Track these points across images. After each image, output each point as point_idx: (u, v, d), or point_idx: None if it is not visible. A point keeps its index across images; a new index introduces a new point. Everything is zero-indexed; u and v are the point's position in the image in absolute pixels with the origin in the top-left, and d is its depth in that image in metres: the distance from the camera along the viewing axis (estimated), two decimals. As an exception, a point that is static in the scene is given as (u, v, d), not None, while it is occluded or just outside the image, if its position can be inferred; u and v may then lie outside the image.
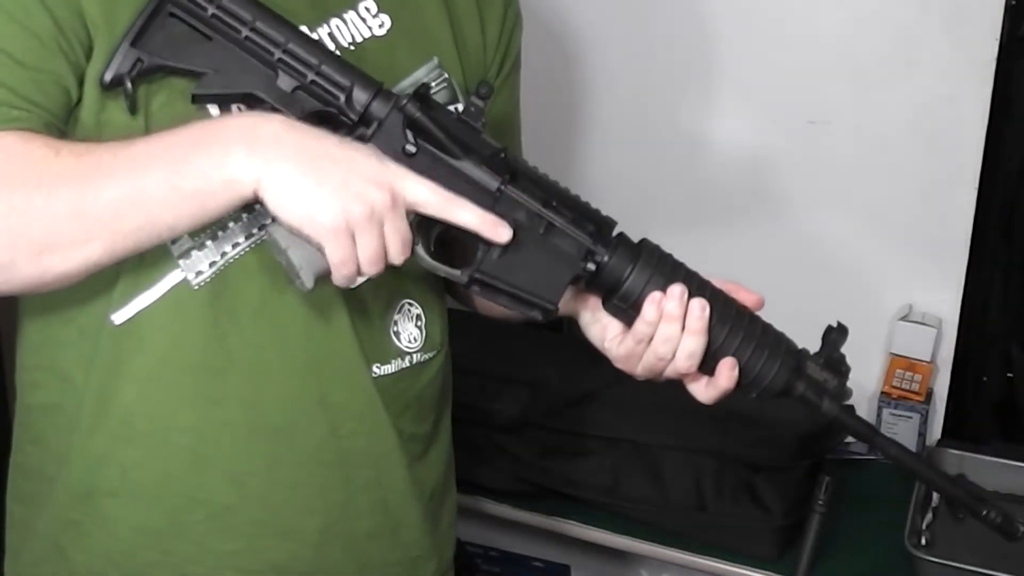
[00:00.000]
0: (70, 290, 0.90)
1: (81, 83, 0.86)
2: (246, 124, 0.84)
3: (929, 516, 1.53)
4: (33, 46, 0.83)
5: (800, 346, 0.98)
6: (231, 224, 0.90)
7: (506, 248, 0.89)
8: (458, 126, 0.89)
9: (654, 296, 0.91)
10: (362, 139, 0.87)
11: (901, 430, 1.74)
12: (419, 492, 1.07)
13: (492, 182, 0.89)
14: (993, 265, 1.74)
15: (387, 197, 0.83)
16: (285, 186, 0.81)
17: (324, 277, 0.85)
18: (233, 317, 0.93)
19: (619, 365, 0.97)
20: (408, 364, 1.03)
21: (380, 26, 0.97)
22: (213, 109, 0.89)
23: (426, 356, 1.05)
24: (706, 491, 1.53)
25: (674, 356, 0.92)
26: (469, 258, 0.90)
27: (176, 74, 0.87)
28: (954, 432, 1.77)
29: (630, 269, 0.92)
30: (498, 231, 0.88)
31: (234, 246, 0.92)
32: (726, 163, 1.84)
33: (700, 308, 0.92)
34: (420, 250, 0.89)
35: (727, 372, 0.93)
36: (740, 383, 0.94)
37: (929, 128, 1.69)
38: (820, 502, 1.43)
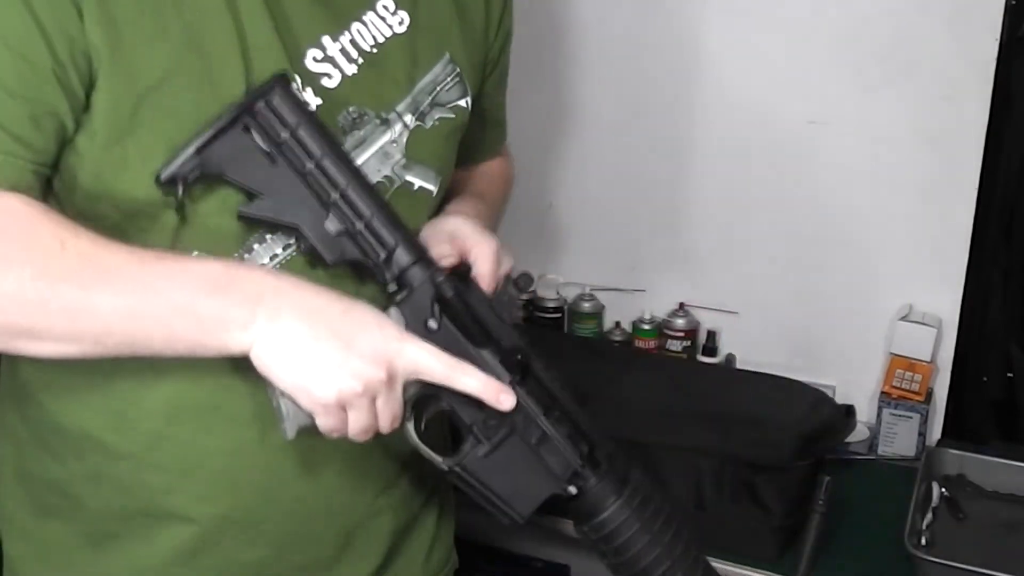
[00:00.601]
0: None
1: (78, 114, 0.84)
2: (257, 283, 0.83)
3: (929, 516, 1.53)
4: (27, 76, 0.81)
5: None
6: (256, 246, 0.90)
7: (494, 449, 0.89)
8: (486, 312, 0.90)
9: None
10: (395, 298, 0.88)
11: (901, 430, 1.74)
12: (425, 481, 1.11)
13: (502, 378, 0.89)
14: (993, 265, 1.73)
15: (383, 375, 0.83)
16: (280, 357, 0.81)
17: (309, 430, 0.86)
18: None
19: None
20: None
21: (400, 23, 0.97)
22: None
23: None
24: (706, 491, 1.53)
25: None
26: (457, 447, 0.91)
27: (231, 186, 0.87)
28: (954, 432, 1.77)
29: (611, 502, 0.93)
30: (500, 398, 0.88)
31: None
32: (725, 163, 1.84)
33: None
34: (410, 427, 0.89)
35: None
36: None
37: (929, 128, 1.69)
38: (820, 502, 1.42)
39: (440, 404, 0.89)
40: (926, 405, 1.73)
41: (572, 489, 0.92)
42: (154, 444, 0.94)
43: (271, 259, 0.91)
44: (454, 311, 0.88)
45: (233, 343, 0.81)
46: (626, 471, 0.95)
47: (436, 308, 0.88)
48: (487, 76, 1.09)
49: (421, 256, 0.90)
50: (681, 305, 1.91)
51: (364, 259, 0.89)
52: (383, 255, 0.88)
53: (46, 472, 0.99)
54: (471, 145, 1.12)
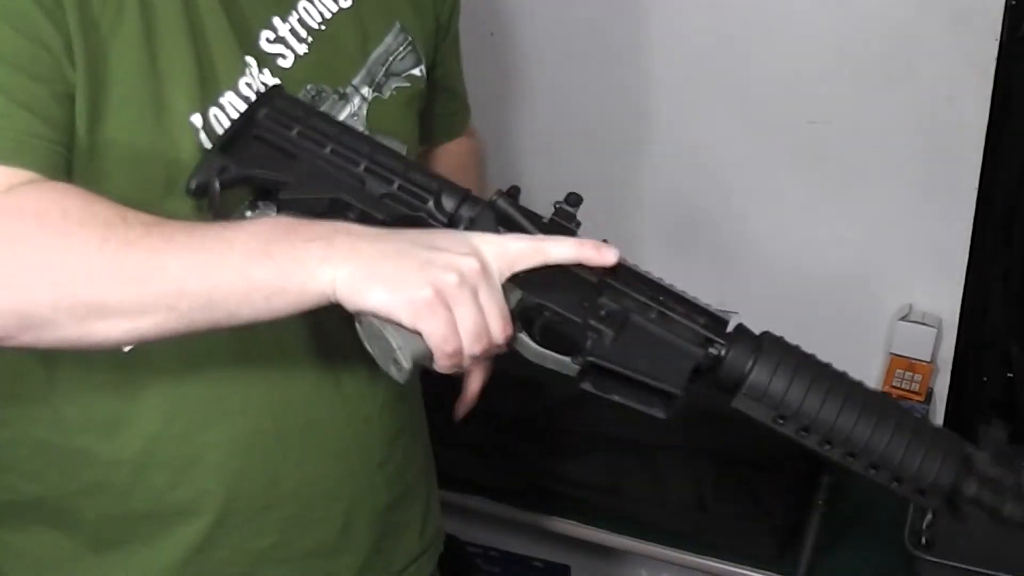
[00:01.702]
0: None
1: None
2: (327, 224, 0.80)
3: (929, 516, 1.53)
4: (46, 58, 0.79)
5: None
6: (248, 214, 0.89)
7: (619, 333, 0.83)
8: (551, 226, 0.86)
9: None
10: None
11: (901, 430, 1.74)
12: (416, 453, 1.14)
13: (591, 276, 0.84)
14: (993, 265, 1.73)
15: (475, 263, 0.78)
16: (366, 276, 0.76)
17: (424, 363, 0.79)
18: (249, 327, 0.92)
19: None
20: None
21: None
22: None
23: None
24: (706, 491, 1.53)
25: None
26: (577, 349, 0.84)
27: (262, 185, 0.86)
28: (954, 432, 1.77)
29: (752, 360, 0.84)
30: (601, 252, 0.83)
31: None
32: (725, 163, 1.84)
33: None
34: (524, 338, 0.83)
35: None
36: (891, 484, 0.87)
37: (929, 128, 1.69)
38: (820, 502, 1.43)
39: (544, 314, 0.83)
40: (926, 405, 1.73)
41: (713, 351, 0.84)
42: (153, 445, 0.93)
43: None
44: (520, 227, 0.86)
45: (316, 280, 0.76)
46: (760, 335, 0.87)
47: (501, 229, 0.85)
48: (439, 43, 1.10)
49: (467, 195, 0.87)
50: (681, 305, 1.91)
51: (414, 212, 0.86)
52: (431, 200, 0.86)
53: (21, 493, 0.97)
54: (434, 120, 1.13)
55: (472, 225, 0.85)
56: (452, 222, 0.86)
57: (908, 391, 1.73)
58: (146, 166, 0.85)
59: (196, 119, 0.87)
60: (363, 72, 0.98)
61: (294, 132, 0.86)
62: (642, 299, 0.86)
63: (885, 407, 0.86)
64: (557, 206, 0.88)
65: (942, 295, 1.75)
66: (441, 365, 0.79)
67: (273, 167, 0.85)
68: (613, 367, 0.82)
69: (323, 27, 0.95)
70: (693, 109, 1.85)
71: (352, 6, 0.97)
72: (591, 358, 0.82)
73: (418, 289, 0.76)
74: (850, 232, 1.79)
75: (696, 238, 1.90)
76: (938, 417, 1.79)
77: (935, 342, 1.74)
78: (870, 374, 1.81)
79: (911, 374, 1.74)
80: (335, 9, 0.96)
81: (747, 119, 1.81)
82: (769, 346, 0.86)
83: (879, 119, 1.72)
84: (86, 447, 0.93)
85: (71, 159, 0.82)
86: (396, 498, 1.10)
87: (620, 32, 1.86)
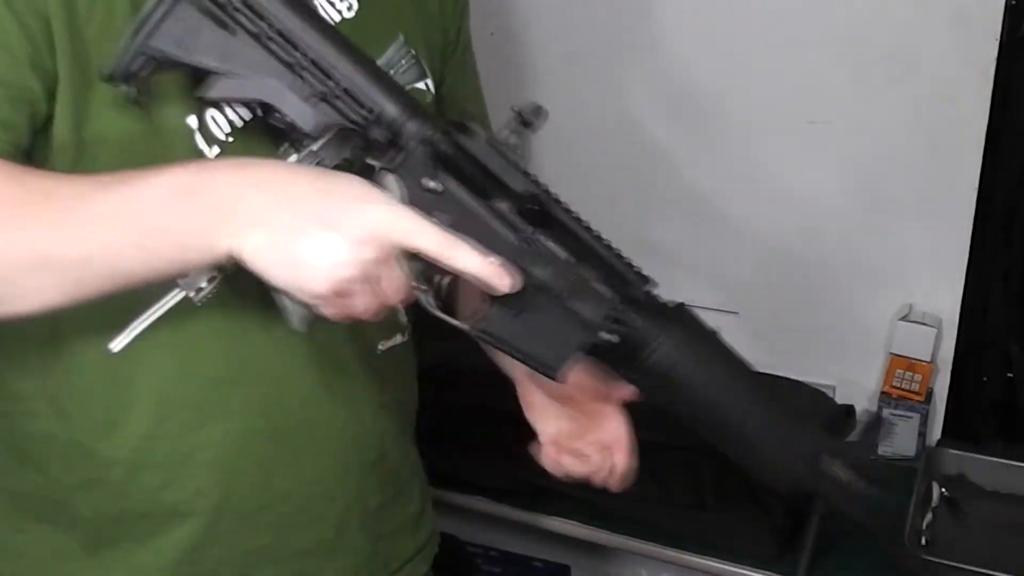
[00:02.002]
0: (57, 318, 0.87)
1: (51, 99, 0.81)
2: (228, 182, 0.77)
3: (929, 516, 1.54)
4: (6, 61, 0.79)
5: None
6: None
7: (520, 306, 0.82)
8: (494, 159, 0.81)
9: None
10: (389, 164, 0.82)
11: (901, 430, 1.74)
12: (409, 454, 1.14)
13: (520, 230, 0.82)
14: (993, 265, 1.73)
15: (375, 255, 0.76)
16: (267, 256, 0.76)
17: (320, 321, 0.80)
18: (241, 326, 0.92)
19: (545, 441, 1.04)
20: (407, 336, 1.07)
21: (348, 8, 0.96)
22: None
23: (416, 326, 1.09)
24: (706, 491, 1.53)
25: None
26: (481, 309, 0.84)
27: (187, 70, 0.81)
28: (954, 432, 1.77)
29: (656, 338, 0.86)
30: (500, 279, 0.80)
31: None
32: (725, 163, 1.84)
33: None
34: (423, 299, 0.83)
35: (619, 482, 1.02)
36: (746, 472, 0.92)
37: (929, 128, 1.69)
38: (820, 502, 1.42)
39: (447, 279, 0.83)
40: (926, 405, 1.73)
41: (610, 337, 0.85)
42: (145, 445, 0.93)
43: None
44: (457, 166, 0.80)
45: (215, 250, 0.76)
46: (676, 308, 0.88)
47: (435, 166, 0.80)
48: (447, 58, 1.08)
49: (413, 110, 0.81)
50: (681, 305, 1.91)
51: (348, 123, 0.81)
52: (370, 116, 0.80)
53: (29, 484, 0.98)
54: None
55: (406, 159, 0.81)
56: (393, 139, 0.81)
57: (908, 391, 1.73)
58: (138, 167, 0.83)
59: (192, 120, 0.86)
60: None
61: (236, 4, 0.78)
62: (562, 262, 0.84)
63: (767, 400, 0.90)
64: (512, 131, 0.83)
65: (942, 295, 1.75)
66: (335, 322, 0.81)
67: (203, 48, 0.78)
68: (499, 345, 0.83)
69: None
70: (692, 109, 1.85)
71: (355, 17, 0.96)
72: (483, 333, 0.83)
73: (316, 285, 0.76)
74: (850, 232, 1.79)
75: (696, 238, 1.90)
76: (938, 417, 1.79)
77: (935, 342, 1.73)
78: (870, 374, 1.81)
79: (911, 374, 1.74)
80: (338, 19, 0.95)
81: (747, 119, 1.81)
82: (674, 325, 0.88)
83: (879, 119, 1.72)
84: (85, 443, 0.93)
85: (18, 156, 0.81)
86: (390, 499, 1.10)
87: (620, 32, 1.86)
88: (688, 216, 1.90)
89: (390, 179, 0.81)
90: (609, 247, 0.88)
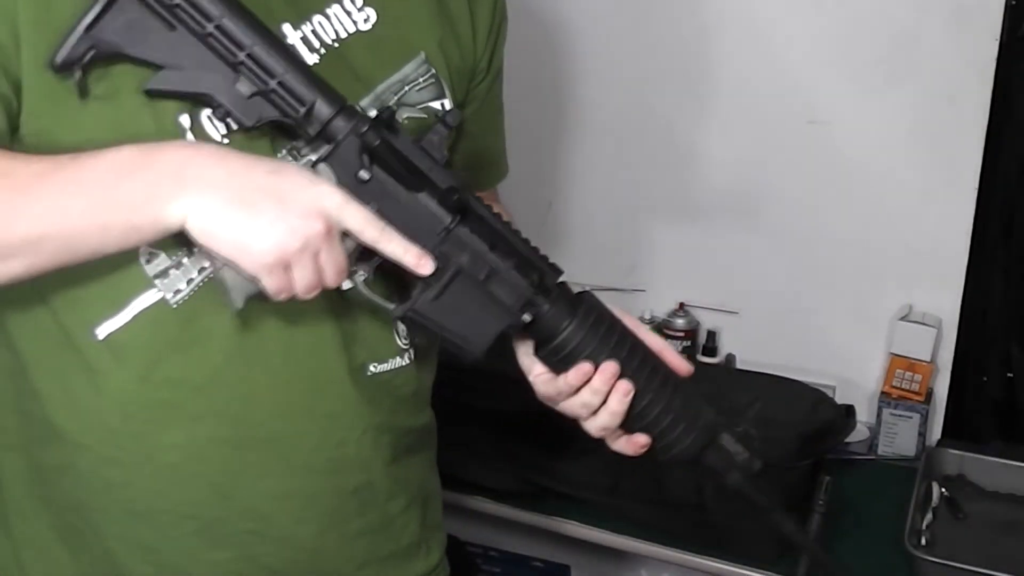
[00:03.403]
0: (45, 302, 0.90)
1: (18, 96, 0.83)
2: (176, 156, 0.81)
3: (929, 516, 1.54)
4: None
5: (716, 417, 0.99)
6: (196, 248, 0.88)
7: (443, 290, 0.89)
8: (418, 155, 0.88)
9: (582, 367, 0.93)
10: (320, 157, 0.86)
11: (901, 430, 1.74)
12: (407, 484, 1.07)
13: (442, 219, 0.89)
14: (993, 265, 1.73)
15: (321, 227, 0.81)
16: (215, 223, 0.80)
17: (258, 297, 0.85)
18: (214, 333, 0.91)
19: (540, 399, 1.00)
20: (408, 360, 1.02)
21: (365, 20, 0.96)
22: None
23: (428, 350, 1.06)
24: (706, 491, 1.53)
25: (589, 418, 0.96)
26: (407, 294, 0.91)
27: (132, 63, 0.84)
28: (954, 432, 1.77)
29: (566, 323, 0.93)
30: (421, 262, 0.87)
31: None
32: (726, 163, 1.85)
33: (623, 393, 0.94)
34: (358, 280, 0.90)
35: (637, 444, 0.98)
36: (651, 447, 0.98)
37: (929, 128, 1.69)
38: (820, 502, 1.42)
39: (378, 258, 0.89)
40: (926, 405, 1.73)
41: (526, 318, 0.92)
42: (110, 439, 0.93)
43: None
44: (384, 159, 0.86)
45: (166, 219, 0.80)
46: (578, 296, 0.95)
47: (365, 158, 0.86)
48: (474, 84, 1.07)
49: (342, 106, 0.86)
50: (681, 305, 1.91)
51: (283, 118, 0.86)
52: (302, 110, 0.85)
53: (8, 467, 0.99)
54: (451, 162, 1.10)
55: (336, 150, 0.86)
56: (322, 135, 0.86)
57: (908, 391, 1.73)
58: None
59: (184, 119, 0.87)
60: (371, 96, 0.95)
61: (176, 0, 0.82)
62: (480, 250, 0.91)
63: (663, 385, 0.96)
64: (433, 131, 0.89)
65: (942, 295, 1.75)
66: (275, 300, 0.84)
67: (146, 42, 0.82)
68: (426, 324, 0.90)
69: (336, 44, 0.94)
70: (692, 109, 1.85)
71: (371, 30, 0.96)
72: (409, 313, 0.90)
73: (263, 254, 0.80)
74: (850, 232, 1.79)
75: (696, 238, 1.90)
76: (938, 417, 1.79)
77: (935, 342, 1.74)
78: (870, 374, 1.81)
79: (911, 374, 1.74)
80: (352, 30, 0.95)
81: (747, 119, 1.81)
82: (584, 313, 0.93)
83: (879, 119, 1.72)
84: (60, 424, 0.94)
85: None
86: (376, 527, 1.05)
87: (620, 32, 1.86)
88: (687, 217, 1.90)
89: (322, 167, 0.86)
90: (525, 240, 0.95)
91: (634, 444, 0.98)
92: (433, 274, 0.88)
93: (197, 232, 0.80)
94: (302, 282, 0.83)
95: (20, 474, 0.98)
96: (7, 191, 0.80)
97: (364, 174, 0.86)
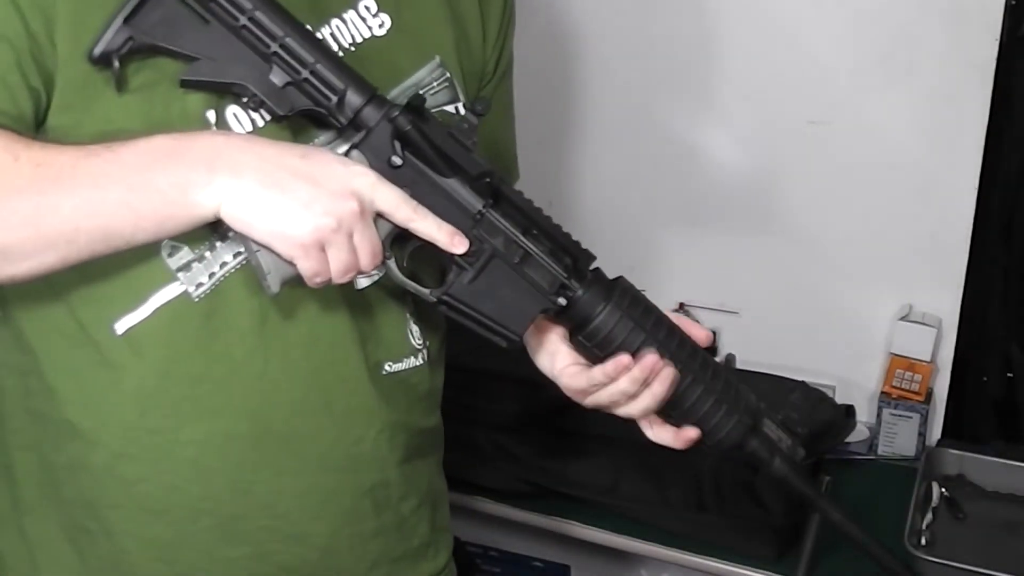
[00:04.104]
0: (61, 298, 0.90)
1: (49, 89, 0.84)
2: (209, 144, 0.83)
3: (929, 516, 1.54)
4: (5, 53, 0.82)
5: (759, 402, 0.98)
6: (231, 233, 0.88)
7: (479, 274, 0.90)
8: (448, 142, 0.88)
9: (621, 360, 0.92)
10: (352, 144, 0.87)
11: (901, 430, 1.74)
12: (419, 485, 1.08)
13: (474, 204, 0.90)
14: (993, 265, 1.73)
15: (355, 207, 0.82)
16: (249, 207, 0.81)
17: (293, 282, 0.86)
18: (234, 327, 0.92)
19: (568, 393, 0.99)
20: (423, 360, 1.03)
21: (380, 26, 0.97)
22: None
23: (439, 351, 1.07)
24: (706, 491, 1.53)
25: (627, 404, 0.94)
26: (442, 280, 0.91)
27: (168, 55, 0.85)
28: (954, 432, 1.77)
29: (601, 307, 0.93)
30: (454, 241, 0.88)
31: (235, 256, 0.90)
32: (725, 163, 1.85)
33: (666, 380, 0.92)
34: (392, 265, 0.90)
35: (687, 438, 0.96)
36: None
37: (929, 128, 1.69)
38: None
39: (416, 240, 0.89)
40: (926, 405, 1.73)
41: (561, 301, 0.92)
42: (127, 436, 0.93)
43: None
44: (415, 145, 0.87)
45: (200, 206, 0.81)
46: (614, 280, 0.95)
47: (397, 144, 0.87)
48: (484, 86, 1.08)
49: (373, 94, 0.88)
50: (681, 305, 1.91)
51: (315, 107, 0.87)
52: (334, 99, 0.87)
53: (21, 465, 0.98)
54: None
55: (368, 136, 0.87)
56: (353, 124, 0.88)
57: (908, 391, 1.73)
58: None
59: (210, 115, 0.88)
60: None
61: None
62: (514, 235, 0.92)
63: (703, 368, 0.95)
64: (463, 119, 0.89)
65: (942, 295, 1.75)
66: (310, 285, 0.85)
67: (181, 35, 0.84)
68: (462, 307, 0.90)
69: (353, 49, 0.94)
70: (692, 108, 1.85)
71: (387, 35, 0.96)
72: (445, 297, 0.90)
73: (299, 234, 0.81)
74: (850, 232, 1.79)
75: (696, 238, 1.90)
76: (938, 417, 1.79)
77: (935, 342, 1.74)
78: (870, 374, 1.81)
79: (911, 374, 1.74)
80: (368, 35, 0.95)
81: (746, 118, 1.81)
82: (619, 296, 0.93)
83: (879, 119, 1.72)
84: (74, 420, 0.94)
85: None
86: (388, 527, 1.06)
87: (621, 32, 1.86)
88: (687, 216, 1.90)
89: (355, 154, 0.87)
90: (557, 226, 0.95)
91: (683, 438, 0.96)
92: (467, 257, 0.89)
93: (232, 218, 0.81)
94: (337, 264, 0.83)
95: (33, 474, 0.98)
96: (41, 181, 0.80)
97: (396, 160, 0.87)
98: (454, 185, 0.89)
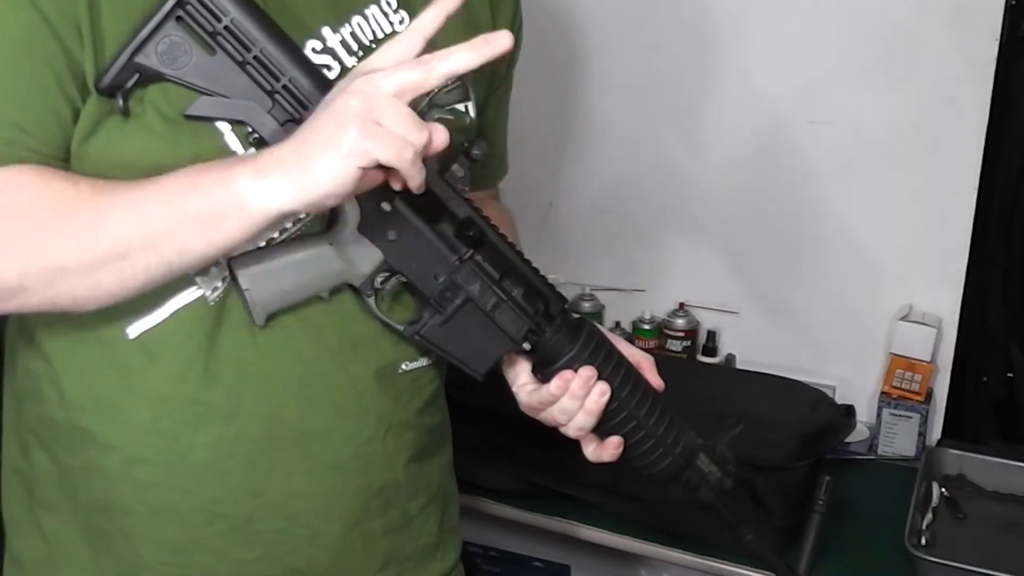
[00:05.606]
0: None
1: (77, 114, 0.85)
2: (250, 156, 0.83)
3: (929, 516, 1.54)
4: (44, 77, 0.83)
5: (699, 439, 1.04)
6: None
7: (450, 317, 0.94)
8: (441, 186, 0.91)
9: (564, 375, 0.96)
10: None
11: (901, 430, 1.74)
12: (427, 484, 1.09)
13: (456, 250, 0.93)
14: (993, 265, 1.74)
15: (357, 103, 0.78)
16: (301, 168, 0.79)
17: (282, 311, 0.90)
18: (246, 330, 0.92)
19: (522, 408, 1.02)
20: (431, 360, 1.04)
21: (400, 22, 0.97)
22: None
23: None
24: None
25: (568, 423, 0.98)
26: (419, 313, 0.96)
27: (174, 85, 0.85)
28: (954, 432, 1.77)
29: (567, 351, 0.97)
30: (493, 43, 0.83)
31: None
32: (726, 163, 1.85)
33: (599, 394, 0.96)
34: (371, 302, 0.94)
35: (611, 449, 1.00)
36: (630, 463, 1.02)
37: (929, 128, 1.69)
38: (820, 502, 1.42)
39: (400, 278, 0.94)
40: (926, 405, 1.74)
41: (526, 345, 0.97)
42: (140, 438, 0.93)
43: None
44: (407, 192, 0.86)
45: (249, 192, 0.79)
46: (579, 323, 0.99)
47: (389, 190, 0.86)
48: (494, 89, 1.08)
49: None
50: (681, 305, 1.91)
51: None
52: None
53: (39, 467, 0.99)
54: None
55: None
56: None
57: (908, 391, 1.73)
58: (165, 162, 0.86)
59: (223, 123, 0.88)
60: None
61: (220, 26, 0.84)
62: (489, 282, 0.95)
63: (652, 410, 1.00)
64: (456, 167, 0.92)
65: (942, 295, 1.75)
66: (412, 182, 0.81)
67: (187, 66, 0.85)
68: (431, 345, 0.96)
69: (373, 46, 0.94)
70: (692, 109, 1.85)
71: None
72: (417, 336, 0.95)
73: (346, 133, 0.77)
74: (850, 232, 1.79)
75: (697, 238, 1.90)
76: (938, 417, 1.79)
77: (935, 342, 1.74)
78: (870, 374, 1.81)
79: (911, 374, 1.74)
80: (388, 31, 0.95)
81: (748, 119, 1.81)
82: (584, 340, 0.97)
83: (879, 119, 1.72)
84: (86, 426, 0.94)
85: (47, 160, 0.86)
86: (397, 526, 1.06)
87: (621, 33, 1.86)
88: (687, 216, 1.90)
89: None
90: (534, 269, 0.98)
91: (607, 450, 1.00)
92: (441, 302, 0.94)
93: (293, 196, 0.79)
94: (386, 151, 0.78)
95: (51, 476, 0.99)
96: (97, 201, 0.82)
97: (386, 206, 0.91)
98: (440, 229, 0.93)
